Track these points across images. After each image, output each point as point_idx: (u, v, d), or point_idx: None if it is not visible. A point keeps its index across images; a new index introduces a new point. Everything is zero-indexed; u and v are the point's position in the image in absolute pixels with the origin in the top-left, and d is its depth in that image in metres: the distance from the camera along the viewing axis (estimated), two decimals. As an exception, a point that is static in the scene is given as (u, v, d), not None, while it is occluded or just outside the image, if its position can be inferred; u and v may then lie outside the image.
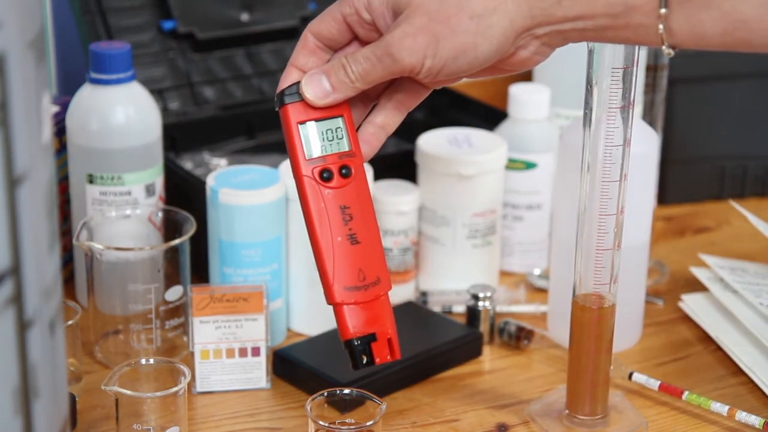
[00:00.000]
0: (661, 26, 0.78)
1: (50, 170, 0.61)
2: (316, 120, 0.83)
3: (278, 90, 0.84)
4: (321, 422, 0.88)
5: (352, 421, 0.93)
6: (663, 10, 0.78)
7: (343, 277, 0.84)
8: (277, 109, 0.84)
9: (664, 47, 0.79)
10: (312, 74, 0.83)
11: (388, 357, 0.86)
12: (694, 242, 1.34)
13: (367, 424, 0.87)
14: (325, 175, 0.83)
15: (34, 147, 0.58)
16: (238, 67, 1.33)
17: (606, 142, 0.91)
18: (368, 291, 0.85)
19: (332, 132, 0.84)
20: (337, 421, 0.91)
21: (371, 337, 0.85)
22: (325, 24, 0.84)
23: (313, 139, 0.84)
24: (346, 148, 0.84)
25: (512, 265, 1.26)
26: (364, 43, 0.85)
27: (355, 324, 0.85)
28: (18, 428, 0.60)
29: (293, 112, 0.83)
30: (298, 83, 0.83)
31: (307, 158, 0.83)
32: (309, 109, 0.83)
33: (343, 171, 0.84)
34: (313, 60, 0.85)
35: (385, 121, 0.86)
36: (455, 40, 0.80)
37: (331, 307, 0.86)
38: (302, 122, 0.83)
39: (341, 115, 0.84)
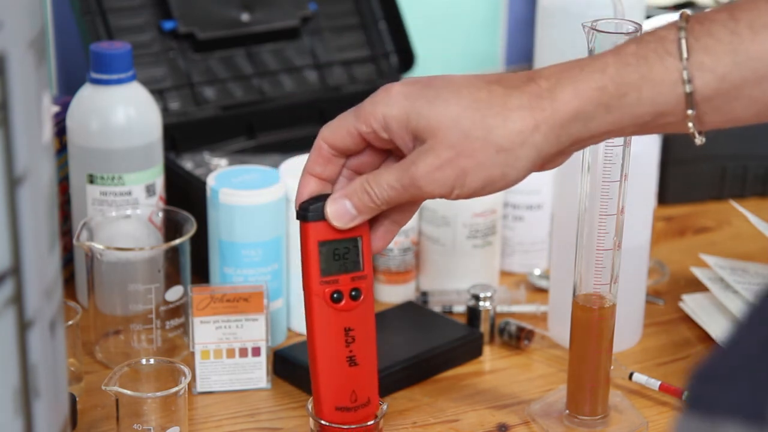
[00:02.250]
0: (690, 124, 0.79)
1: (50, 170, 0.61)
2: (335, 240, 0.84)
3: (299, 201, 0.84)
4: (322, 421, 0.88)
5: None
6: (690, 111, 0.78)
7: (335, 397, 0.85)
8: (298, 220, 0.84)
9: (696, 139, 0.80)
10: (336, 199, 0.83)
11: None
12: (694, 242, 1.34)
13: (368, 423, 0.88)
14: (335, 296, 0.84)
15: (35, 147, 0.58)
16: (239, 67, 1.33)
17: (606, 142, 0.91)
18: (357, 412, 0.86)
19: (349, 252, 0.85)
20: None
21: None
22: (339, 136, 0.84)
23: (330, 259, 0.84)
24: (360, 269, 0.85)
25: (512, 265, 1.26)
26: (379, 151, 0.84)
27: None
28: (18, 428, 0.60)
29: (314, 230, 0.84)
30: (323, 202, 0.83)
31: (321, 277, 0.84)
32: (329, 229, 0.84)
33: (353, 293, 0.85)
34: (329, 168, 0.85)
35: (400, 217, 0.86)
36: (483, 173, 0.80)
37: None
38: (321, 242, 0.84)
39: (360, 236, 0.85)
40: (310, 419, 0.88)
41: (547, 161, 0.82)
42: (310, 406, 0.88)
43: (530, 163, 0.80)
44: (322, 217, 0.83)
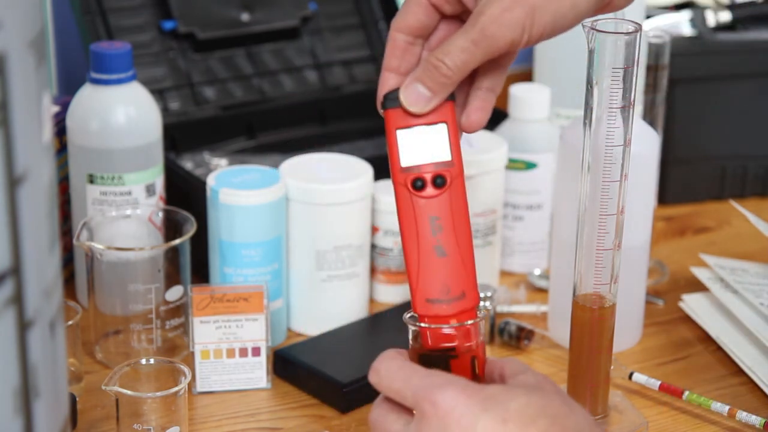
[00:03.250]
0: None
1: (51, 170, 0.61)
2: (416, 126, 0.80)
3: (378, 95, 0.81)
4: (423, 324, 0.81)
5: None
6: None
7: (426, 289, 0.81)
8: (380, 112, 0.82)
9: None
10: (407, 84, 0.80)
11: (470, 376, 0.81)
12: (694, 242, 1.34)
13: (467, 323, 0.82)
14: (418, 184, 0.80)
15: (35, 147, 0.58)
16: (239, 67, 1.33)
17: (606, 142, 0.91)
18: (451, 305, 0.81)
19: (432, 140, 0.81)
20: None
21: (451, 353, 0.81)
22: (411, 14, 0.81)
23: (411, 147, 0.80)
24: (445, 158, 0.81)
25: (513, 265, 1.26)
26: (453, 23, 0.82)
27: (434, 338, 0.81)
28: (18, 428, 0.60)
29: (393, 117, 0.80)
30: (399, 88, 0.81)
31: (402, 165, 0.80)
32: (409, 116, 0.80)
33: (438, 181, 0.80)
34: (407, 59, 0.82)
35: (492, 83, 0.82)
36: (553, 6, 0.77)
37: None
38: (401, 128, 0.80)
39: (444, 122, 0.81)
40: (409, 327, 0.83)
41: None
42: (407, 316, 0.83)
43: None
44: (399, 103, 0.80)
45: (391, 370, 0.76)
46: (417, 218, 0.81)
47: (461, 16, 0.82)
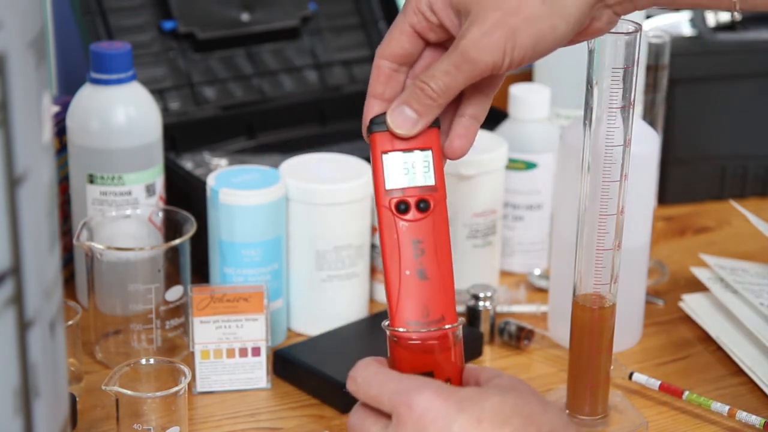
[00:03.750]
0: None
1: (51, 170, 0.61)
2: (402, 151, 0.82)
3: (364, 120, 0.83)
4: (401, 328, 0.82)
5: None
6: None
7: (406, 312, 0.82)
8: (366, 137, 0.83)
9: (736, 13, 0.78)
10: (394, 109, 0.81)
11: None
12: (694, 242, 1.34)
13: (447, 326, 0.83)
14: (402, 208, 0.82)
15: (35, 147, 0.58)
16: (239, 67, 1.33)
17: (606, 142, 0.91)
18: (430, 328, 0.82)
19: (417, 164, 0.82)
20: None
21: (428, 375, 0.81)
22: (395, 42, 0.82)
23: (395, 170, 0.82)
24: (429, 182, 0.82)
25: (513, 265, 1.26)
26: (435, 48, 0.83)
27: (412, 360, 0.82)
28: (18, 428, 0.60)
29: (379, 141, 0.82)
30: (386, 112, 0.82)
31: (386, 188, 0.82)
32: (395, 140, 0.82)
33: (421, 205, 0.82)
34: (391, 86, 0.83)
35: (475, 111, 0.83)
36: (533, 29, 0.78)
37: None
38: (386, 152, 0.82)
39: (429, 148, 0.82)
40: (387, 333, 0.83)
41: (592, 14, 0.80)
42: (386, 323, 0.84)
43: (578, 9, 0.78)
44: (386, 126, 0.82)
45: (368, 377, 0.77)
46: (400, 241, 0.82)
47: (445, 44, 0.83)
